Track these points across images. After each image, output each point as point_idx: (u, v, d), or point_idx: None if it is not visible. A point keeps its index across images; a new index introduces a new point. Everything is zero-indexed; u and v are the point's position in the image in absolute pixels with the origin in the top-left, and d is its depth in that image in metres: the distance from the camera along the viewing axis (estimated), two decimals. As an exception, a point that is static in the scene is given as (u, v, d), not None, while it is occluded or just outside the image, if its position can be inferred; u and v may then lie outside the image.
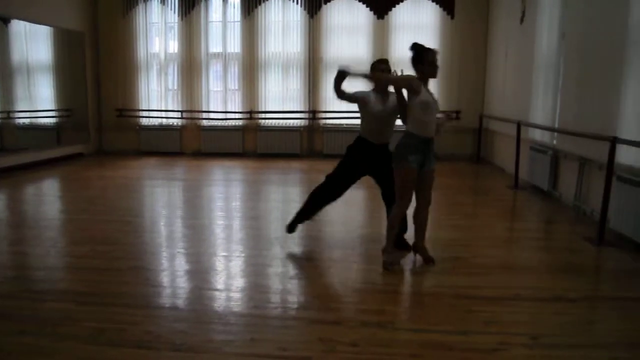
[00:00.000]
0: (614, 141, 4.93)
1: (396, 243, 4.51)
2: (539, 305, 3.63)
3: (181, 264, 4.46)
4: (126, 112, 11.47)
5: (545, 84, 7.39)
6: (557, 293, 3.79)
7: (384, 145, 4.59)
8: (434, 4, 10.51)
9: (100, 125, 11.60)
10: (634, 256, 4.64)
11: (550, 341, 3.07)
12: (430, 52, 4.11)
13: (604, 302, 3.78)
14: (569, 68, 6.63)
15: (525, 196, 7.26)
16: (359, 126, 4.69)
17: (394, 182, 4.28)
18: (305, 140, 11.21)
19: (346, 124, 10.57)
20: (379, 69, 4.47)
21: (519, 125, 7.73)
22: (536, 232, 5.93)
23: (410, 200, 4.25)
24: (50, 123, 10.35)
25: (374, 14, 10.63)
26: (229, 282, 4.05)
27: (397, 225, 4.34)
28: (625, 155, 5.07)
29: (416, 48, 4.13)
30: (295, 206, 6.80)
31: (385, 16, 10.61)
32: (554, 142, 7.07)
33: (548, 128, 7.13)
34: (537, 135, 7.62)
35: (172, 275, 4.21)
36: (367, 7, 10.63)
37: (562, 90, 6.82)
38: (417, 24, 10.56)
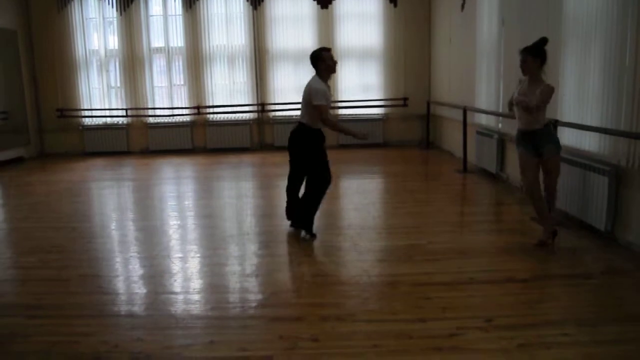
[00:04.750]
0: (554, 124, 5.10)
1: (288, 215, 5.10)
2: (492, 287, 3.74)
3: (135, 269, 4.34)
4: (67, 112, 11.05)
5: (488, 70, 7.57)
6: (508, 275, 3.92)
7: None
8: (377, -8, 10.61)
9: (40, 127, 11.12)
10: (579, 234, 4.84)
11: (504, 322, 3.17)
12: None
13: (552, 281, 3.93)
14: (509, 54, 6.80)
15: (475, 179, 7.45)
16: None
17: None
18: (255, 134, 11.12)
19: (296, 115, 10.46)
20: (322, 58, 4.82)
21: (464, 110, 7.90)
22: (486, 214, 6.10)
23: (527, 178, 4.48)
24: (-15, 127, 9.85)
25: (318, 3, 10.60)
26: (185, 285, 3.98)
27: (538, 197, 4.52)
28: (567, 137, 5.27)
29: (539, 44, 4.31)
30: (248, 201, 6.79)
31: (330, 5, 10.60)
32: (500, 125, 7.27)
33: (492, 113, 7.31)
34: (483, 119, 7.81)
35: (126, 281, 4.10)
36: (310, -4, 10.59)
37: (504, 75, 7.01)
38: (361, 12, 10.62)
